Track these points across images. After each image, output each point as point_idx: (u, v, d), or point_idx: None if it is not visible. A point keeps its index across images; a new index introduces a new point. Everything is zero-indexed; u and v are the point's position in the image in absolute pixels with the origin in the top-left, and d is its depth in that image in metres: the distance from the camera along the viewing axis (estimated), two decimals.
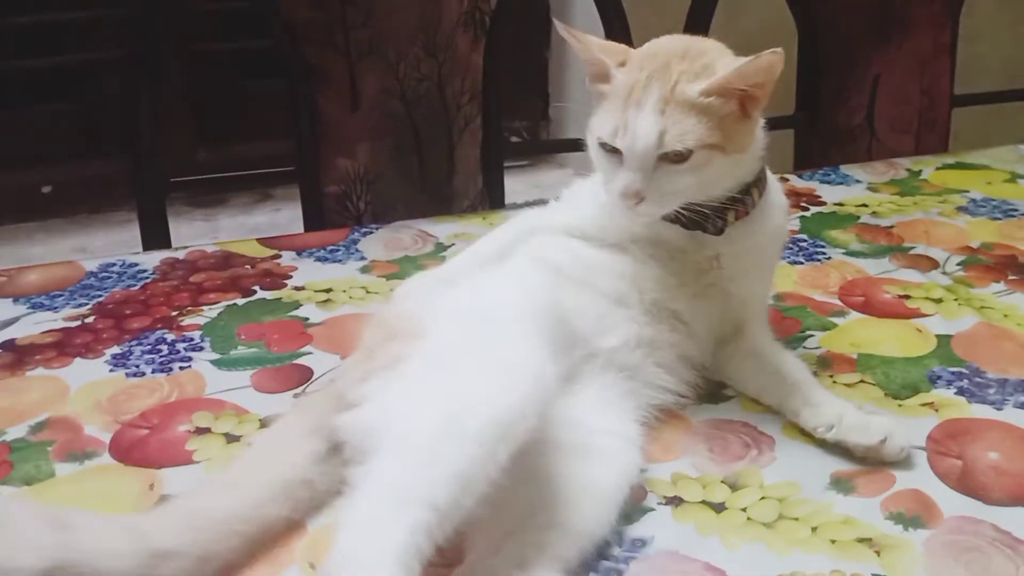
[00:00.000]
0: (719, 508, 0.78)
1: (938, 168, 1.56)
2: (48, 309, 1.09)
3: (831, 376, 0.96)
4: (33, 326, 1.06)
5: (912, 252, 1.25)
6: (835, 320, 1.07)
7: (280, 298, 1.13)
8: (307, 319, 1.08)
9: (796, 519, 0.76)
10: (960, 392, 0.93)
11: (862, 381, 0.95)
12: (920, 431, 0.87)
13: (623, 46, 0.87)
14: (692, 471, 0.82)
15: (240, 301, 1.12)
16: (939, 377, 0.96)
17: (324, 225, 1.54)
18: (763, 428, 0.87)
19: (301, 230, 1.51)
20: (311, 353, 1.00)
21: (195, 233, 2.40)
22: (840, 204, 1.41)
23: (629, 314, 0.87)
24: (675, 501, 0.78)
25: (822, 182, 1.50)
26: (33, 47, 2.07)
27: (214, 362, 0.99)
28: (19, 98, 2.31)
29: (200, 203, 2.58)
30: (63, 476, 0.82)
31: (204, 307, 1.10)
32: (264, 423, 0.88)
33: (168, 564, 0.65)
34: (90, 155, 2.37)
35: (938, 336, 1.03)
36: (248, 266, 1.21)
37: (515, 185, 1.98)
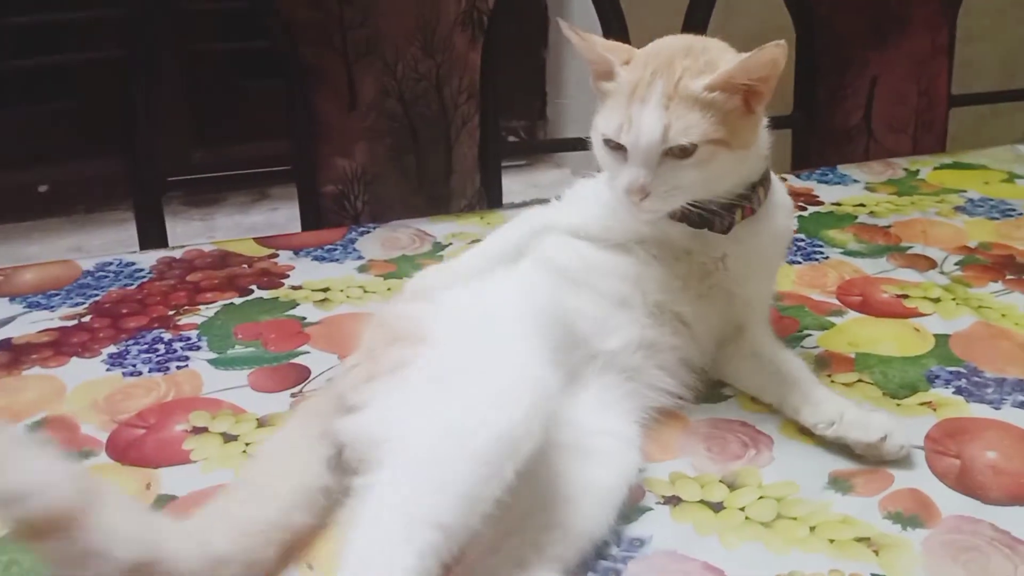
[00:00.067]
0: (717, 508, 0.78)
1: (936, 168, 1.56)
2: (45, 308, 1.09)
3: (829, 375, 0.96)
4: (29, 325, 1.05)
5: (910, 252, 1.25)
6: (833, 319, 1.07)
7: (277, 297, 1.12)
8: (304, 318, 1.07)
9: (794, 518, 0.76)
10: (958, 391, 0.93)
11: (860, 380, 0.95)
12: (918, 430, 0.87)
13: (627, 45, 0.87)
14: (690, 470, 0.82)
15: (237, 300, 1.12)
16: (937, 376, 0.96)
17: (321, 225, 1.53)
18: (761, 428, 0.87)
19: (298, 229, 1.51)
20: (308, 352, 1.00)
21: (192, 232, 2.40)
22: (838, 204, 1.41)
23: (632, 316, 0.87)
24: (673, 501, 0.78)
25: (820, 182, 1.50)
26: (31, 47, 2.06)
27: (211, 361, 0.99)
28: (17, 97, 2.31)
29: (197, 202, 2.58)
30: None
31: (201, 306, 1.10)
32: (261, 423, 0.88)
33: (226, 569, 0.65)
34: (87, 154, 2.36)
35: (936, 335, 1.03)
36: (245, 265, 1.21)
37: (512, 184, 1.98)
